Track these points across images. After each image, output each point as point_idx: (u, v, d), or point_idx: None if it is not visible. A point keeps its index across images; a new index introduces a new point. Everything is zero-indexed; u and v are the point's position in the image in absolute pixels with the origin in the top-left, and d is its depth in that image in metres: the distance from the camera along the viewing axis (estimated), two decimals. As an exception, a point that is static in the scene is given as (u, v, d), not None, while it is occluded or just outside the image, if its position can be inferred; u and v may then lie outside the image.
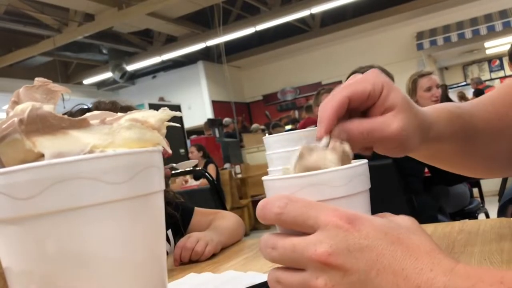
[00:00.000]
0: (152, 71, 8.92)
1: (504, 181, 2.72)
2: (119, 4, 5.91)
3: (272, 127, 6.52)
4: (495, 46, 7.48)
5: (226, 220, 1.04)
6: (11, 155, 0.26)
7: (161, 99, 8.67)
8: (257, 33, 7.07)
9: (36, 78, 0.30)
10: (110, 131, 0.28)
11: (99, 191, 0.25)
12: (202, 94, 8.55)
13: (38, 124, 0.26)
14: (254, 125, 7.96)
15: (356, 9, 7.22)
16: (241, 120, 8.25)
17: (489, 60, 8.34)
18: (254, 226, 5.96)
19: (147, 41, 7.83)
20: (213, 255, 0.89)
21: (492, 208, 2.37)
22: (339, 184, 0.40)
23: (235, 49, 7.98)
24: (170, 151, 0.32)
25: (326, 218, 0.32)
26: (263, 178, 0.45)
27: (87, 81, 8.41)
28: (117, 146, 0.27)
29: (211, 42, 7.20)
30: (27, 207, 0.23)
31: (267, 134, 0.88)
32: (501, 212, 1.89)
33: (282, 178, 0.41)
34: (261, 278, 0.60)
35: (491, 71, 8.37)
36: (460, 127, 0.55)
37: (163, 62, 8.10)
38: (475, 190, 2.64)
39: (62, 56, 7.45)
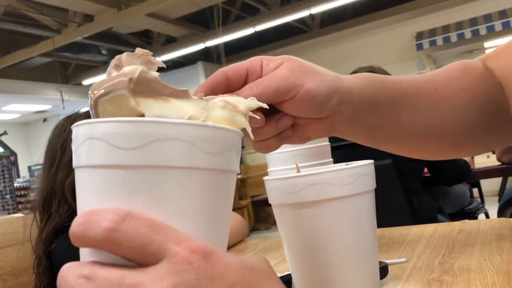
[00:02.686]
0: (151, 72, 8.90)
1: (504, 181, 2.72)
2: (119, 4, 5.90)
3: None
4: (494, 46, 7.46)
5: (232, 221, 1.04)
6: (111, 111, 0.27)
7: (161, 99, 8.65)
8: (256, 33, 7.06)
9: (138, 48, 0.32)
10: (206, 106, 0.30)
11: (193, 156, 0.26)
12: (202, 94, 8.53)
13: (144, 87, 0.28)
14: (254, 126, 7.94)
15: (356, 10, 7.22)
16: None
17: (489, 60, 8.33)
18: (254, 226, 5.96)
19: (146, 41, 7.82)
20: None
21: (492, 208, 2.37)
22: (344, 183, 0.40)
23: (234, 49, 7.97)
24: (252, 136, 0.33)
25: (175, 247, 0.24)
26: (265, 178, 0.45)
27: (86, 81, 8.40)
28: (211, 121, 0.29)
29: (210, 43, 7.19)
30: (125, 157, 0.25)
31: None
32: (501, 213, 1.89)
33: (285, 177, 0.41)
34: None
35: (490, 71, 8.36)
36: (382, 88, 0.51)
37: (162, 62, 8.08)
38: (475, 190, 2.64)
39: (61, 57, 7.44)
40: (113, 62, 0.31)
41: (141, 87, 0.28)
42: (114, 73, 0.29)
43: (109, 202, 0.25)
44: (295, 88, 0.44)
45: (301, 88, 0.44)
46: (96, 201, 0.26)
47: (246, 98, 0.38)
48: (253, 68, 0.44)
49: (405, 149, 0.59)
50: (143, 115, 0.27)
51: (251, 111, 0.33)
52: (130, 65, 0.30)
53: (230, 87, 0.44)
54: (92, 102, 0.28)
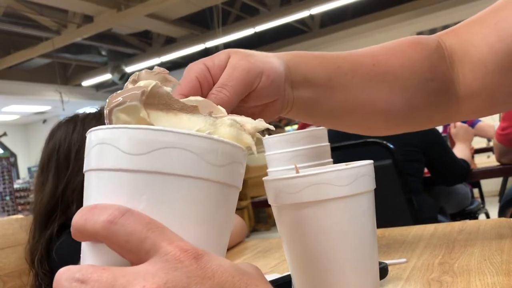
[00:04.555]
0: (151, 73, 8.91)
1: (505, 181, 2.72)
2: (118, 5, 5.91)
3: (272, 128, 6.52)
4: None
5: None
6: (123, 120, 0.29)
7: (161, 100, 8.66)
8: (256, 34, 7.06)
9: (155, 67, 0.35)
10: (214, 122, 0.31)
11: (198, 166, 0.27)
12: (202, 95, 8.54)
13: (156, 100, 0.30)
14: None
15: (356, 10, 7.22)
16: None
17: (488, 60, 8.34)
18: (254, 227, 5.96)
19: (146, 42, 7.82)
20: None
21: (493, 208, 2.37)
22: (343, 183, 0.40)
23: (234, 50, 7.97)
24: (256, 155, 0.35)
25: (168, 245, 0.24)
26: (264, 178, 0.45)
27: (86, 82, 8.40)
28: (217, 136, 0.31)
29: (210, 43, 7.19)
30: (133, 162, 0.26)
31: (267, 135, 0.88)
32: (502, 213, 1.89)
33: (284, 178, 0.41)
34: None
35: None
36: (318, 66, 0.51)
37: (162, 63, 8.08)
38: (475, 191, 2.64)
39: (61, 58, 7.44)
40: (132, 77, 0.33)
41: (153, 100, 0.30)
42: (130, 86, 0.31)
43: (113, 202, 0.27)
44: (258, 76, 0.45)
45: (262, 75, 0.45)
46: (101, 201, 0.27)
47: (220, 104, 0.39)
48: (202, 74, 0.43)
49: (342, 125, 0.59)
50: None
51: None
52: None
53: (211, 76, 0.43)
54: (107, 112, 0.30)
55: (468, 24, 0.60)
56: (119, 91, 0.31)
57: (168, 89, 0.31)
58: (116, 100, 0.30)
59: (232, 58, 0.45)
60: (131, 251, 0.25)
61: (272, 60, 0.47)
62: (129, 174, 0.26)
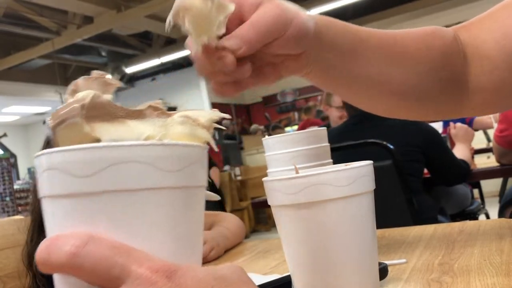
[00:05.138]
0: (151, 74, 8.91)
1: (505, 182, 2.72)
2: (118, 6, 5.91)
3: (272, 129, 6.52)
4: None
5: (230, 223, 1.04)
6: (68, 138, 0.28)
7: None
8: (256, 34, 7.06)
9: (93, 71, 0.32)
10: (164, 124, 0.29)
11: (153, 176, 0.26)
12: (202, 96, 8.55)
13: (98, 111, 0.28)
14: (254, 125, 7.96)
15: (356, 10, 7.22)
16: (241, 122, 8.25)
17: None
18: (254, 228, 5.96)
19: (146, 43, 7.83)
20: (214, 257, 0.89)
21: (493, 209, 2.37)
22: (343, 184, 0.40)
23: (234, 51, 7.97)
24: (216, 149, 0.33)
25: (138, 268, 0.24)
26: (264, 179, 0.45)
27: (86, 83, 8.40)
28: (170, 139, 0.29)
29: (210, 44, 7.18)
30: (83, 185, 0.25)
31: (266, 136, 0.88)
32: (502, 213, 1.89)
33: (284, 178, 0.41)
34: (260, 279, 0.60)
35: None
36: (343, 32, 0.52)
37: (162, 64, 8.09)
38: (475, 191, 2.64)
39: (61, 58, 7.44)
40: (70, 87, 0.31)
41: (94, 112, 0.28)
42: (70, 99, 0.29)
43: (71, 229, 0.25)
44: (287, 25, 0.45)
45: (290, 25, 0.45)
46: (60, 230, 0.26)
47: (244, 43, 0.40)
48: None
49: (356, 96, 0.59)
50: (99, 140, 0.27)
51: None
52: (86, 89, 0.30)
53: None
54: (51, 132, 0.28)
55: (480, 19, 0.62)
56: (60, 107, 0.28)
57: (108, 96, 0.29)
58: (57, 118, 0.28)
59: (264, 3, 0.45)
60: (101, 279, 0.24)
61: (302, 14, 0.47)
62: (82, 198, 0.25)
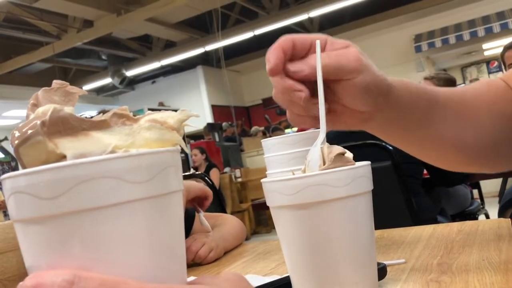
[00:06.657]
0: (151, 76, 8.92)
1: (504, 182, 2.72)
2: (118, 10, 5.92)
3: (272, 131, 6.52)
4: (493, 47, 7.49)
5: (230, 225, 1.04)
6: (33, 157, 0.26)
7: (161, 104, 8.67)
8: (255, 37, 7.07)
9: (54, 81, 0.31)
10: (130, 131, 0.28)
11: (122, 190, 0.25)
12: (202, 98, 8.55)
13: (60, 126, 0.27)
14: (254, 128, 7.96)
15: (354, 13, 7.23)
16: (241, 124, 8.25)
17: (487, 61, 8.35)
18: (255, 230, 5.95)
19: (146, 46, 7.84)
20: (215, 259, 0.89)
21: (493, 209, 2.37)
22: (341, 184, 0.40)
23: (234, 53, 7.97)
24: (188, 151, 0.31)
25: None
26: (263, 180, 0.45)
27: (86, 87, 8.41)
28: (138, 147, 0.28)
29: (210, 47, 7.20)
30: (52, 206, 0.24)
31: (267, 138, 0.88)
32: (502, 213, 1.89)
33: (282, 179, 0.41)
34: (260, 280, 0.61)
35: (489, 72, 8.37)
36: (417, 95, 0.53)
37: (162, 67, 8.10)
38: (475, 192, 2.63)
39: (61, 62, 7.46)
40: (31, 101, 0.29)
41: (56, 127, 0.26)
42: (31, 115, 0.28)
43: (46, 256, 0.25)
44: (359, 71, 0.46)
45: (360, 74, 0.46)
46: (35, 257, 0.25)
47: (310, 64, 0.42)
48: (288, 46, 0.46)
49: (423, 152, 0.60)
50: (64, 156, 0.26)
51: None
52: (48, 101, 0.29)
53: (294, 55, 0.46)
54: (15, 152, 0.27)
55: None
56: (22, 124, 0.27)
57: (69, 109, 0.28)
58: (19, 136, 0.26)
59: (351, 47, 0.47)
60: None
61: (378, 77, 0.48)
62: (52, 220, 0.24)
